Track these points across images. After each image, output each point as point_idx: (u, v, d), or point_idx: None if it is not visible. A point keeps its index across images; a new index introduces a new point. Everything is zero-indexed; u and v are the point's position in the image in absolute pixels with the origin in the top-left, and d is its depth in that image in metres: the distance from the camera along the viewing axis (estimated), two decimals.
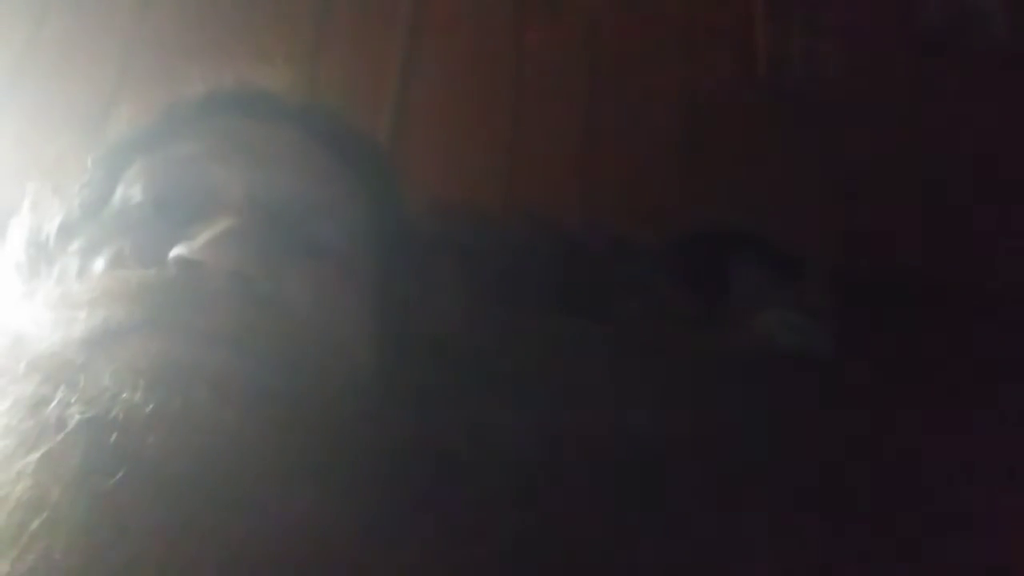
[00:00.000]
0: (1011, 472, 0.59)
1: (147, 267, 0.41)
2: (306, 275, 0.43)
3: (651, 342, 0.67)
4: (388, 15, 0.94)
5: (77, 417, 0.33)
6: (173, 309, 0.38)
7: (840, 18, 0.94)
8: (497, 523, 0.42)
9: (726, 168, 0.87)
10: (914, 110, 0.89)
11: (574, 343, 0.65)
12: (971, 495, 0.58)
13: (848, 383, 0.66)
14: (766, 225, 0.80)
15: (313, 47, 0.91)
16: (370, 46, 0.92)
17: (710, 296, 0.74)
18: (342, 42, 0.92)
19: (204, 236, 0.40)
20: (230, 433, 0.34)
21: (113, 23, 0.89)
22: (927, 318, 0.74)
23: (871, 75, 0.92)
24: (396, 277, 0.49)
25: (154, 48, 0.88)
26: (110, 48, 0.88)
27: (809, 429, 0.60)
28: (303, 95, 0.56)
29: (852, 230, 0.83)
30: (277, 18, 0.91)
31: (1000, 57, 0.93)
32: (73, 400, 0.33)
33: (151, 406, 0.33)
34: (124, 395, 0.33)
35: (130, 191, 0.46)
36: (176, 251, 0.40)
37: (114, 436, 0.32)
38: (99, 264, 0.43)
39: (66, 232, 0.46)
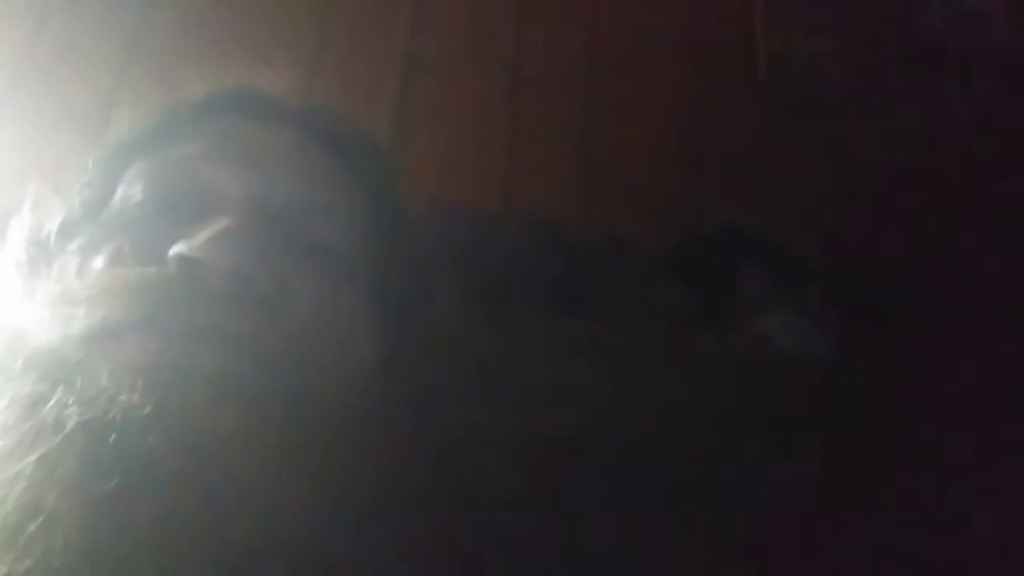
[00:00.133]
0: (1011, 472, 0.59)
1: (147, 266, 0.41)
2: (306, 275, 0.43)
3: (650, 344, 0.67)
4: (388, 18, 0.94)
5: (75, 419, 0.32)
6: (172, 307, 0.38)
7: (840, 21, 0.95)
8: (497, 524, 0.42)
9: (726, 170, 0.87)
10: (914, 113, 0.89)
11: (573, 344, 0.65)
12: (971, 496, 0.58)
13: (848, 385, 0.66)
14: (766, 227, 0.80)
15: (314, 49, 0.91)
16: (370, 48, 0.92)
17: (710, 298, 0.74)
18: (342, 44, 0.92)
19: (204, 235, 0.40)
20: (228, 433, 0.34)
21: (113, 25, 0.89)
22: (927, 320, 0.74)
23: (871, 78, 0.92)
24: (395, 278, 0.49)
25: (154, 49, 0.88)
26: (110, 49, 0.88)
27: (809, 431, 0.60)
28: (303, 97, 0.56)
29: (852, 232, 0.83)
30: (278, 20, 0.92)
31: (1000, 59, 0.93)
32: (71, 401, 0.33)
33: (149, 407, 0.33)
34: (122, 396, 0.33)
35: (130, 191, 0.46)
36: (176, 250, 0.40)
37: (112, 438, 0.32)
38: (99, 262, 0.43)
39: (66, 231, 0.46)
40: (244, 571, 0.31)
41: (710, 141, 0.88)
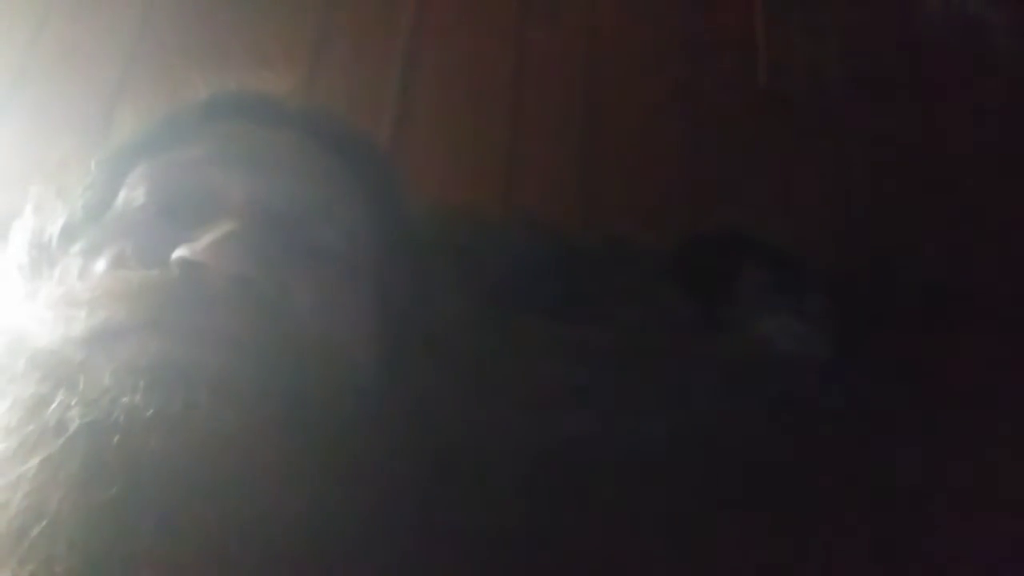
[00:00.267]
0: (1012, 473, 0.59)
1: (149, 268, 0.41)
2: (307, 278, 0.43)
3: (650, 346, 0.67)
4: (389, 19, 0.94)
5: (77, 421, 0.32)
6: (174, 310, 0.38)
7: (840, 25, 0.95)
8: (496, 526, 0.42)
9: (726, 172, 0.87)
10: (914, 115, 0.89)
11: (574, 346, 0.65)
12: (971, 497, 0.58)
13: (847, 387, 0.66)
14: (766, 230, 0.80)
15: (314, 51, 0.91)
16: (371, 50, 0.92)
17: (710, 300, 0.74)
18: (343, 46, 0.92)
19: (206, 238, 0.40)
20: (230, 435, 0.34)
21: (115, 26, 0.90)
22: (926, 322, 0.74)
23: (871, 81, 0.92)
24: (396, 280, 0.49)
25: (156, 52, 0.88)
26: (112, 51, 0.88)
27: (808, 433, 0.60)
28: (304, 99, 0.56)
29: (852, 235, 0.83)
30: (278, 22, 0.92)
31: (1001, 62, 0.93)
32: (73, 403, 0.33)
33: (151, 409, 0.33)
34: (124, 398, 0.33)
35: (132, 194, 0.46)
36: (178, 253, 0.40)
37: (114, 440, 0.32)
38: (101, 265, 0.43)
39: (68, 234, 0.46)
40: (246, 572, 0.31)
41: (710, 143, 0.88)
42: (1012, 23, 0.94)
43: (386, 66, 0.91)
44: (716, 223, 0.82)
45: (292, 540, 0.33)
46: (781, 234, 0.80)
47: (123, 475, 0.31)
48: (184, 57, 0.86)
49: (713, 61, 0.94)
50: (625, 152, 0.88)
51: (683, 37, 0.95)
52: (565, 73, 0.93)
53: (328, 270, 0.45)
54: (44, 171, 0.52)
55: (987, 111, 0.90)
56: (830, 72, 0.92)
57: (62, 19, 0.90)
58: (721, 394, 0.62)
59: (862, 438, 0.61)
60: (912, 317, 0.75)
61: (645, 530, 0.49)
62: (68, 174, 0.51)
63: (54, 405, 0.33)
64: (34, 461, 0.31)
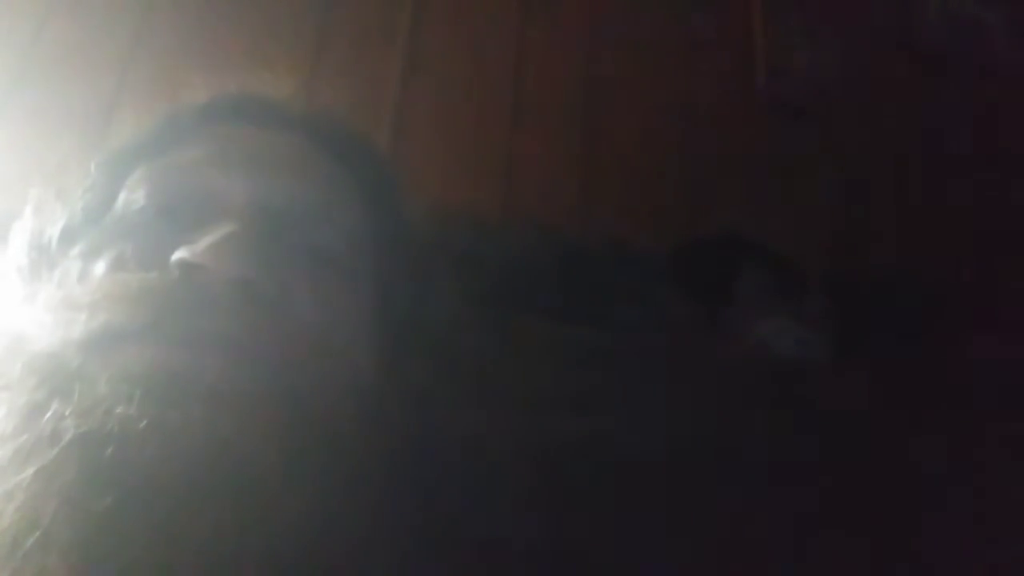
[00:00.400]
0: (1012, 475, 0.59)
1: (148, 271, 0.41)
2: (307, 279, 0.43)
3: (649, 347, 0.67)
4: (388, 22, 0.94)
5: (72, 431, 0.32)
6: (173, 313, 0.38)
7: (838, 27, 0.95)
8: (496, 527, 0.42)
9: (725, 175, 0.87)
10: (912, 118, 0.90)
11: (573, 348, 0.65)
12: (971, 498, 0.58)
13: (846, 389, 0.66)
14: (765, 232, 0.80)
15: (314, 53, 0.91)
16: (370, 53, 0.92)
17: (709, 303, 0.74)
18: (343, 47, 0.92)
19: (206, 240, 0.40)
20: (227, 444, 0.34)
21: (114, 29, 0.90)
22: (927, 324, 0.74)
23: (869, 84, 0.92)
24: (396, 282, 0.49)
25: (155, 54, 0.88)
26: (111, 54, 0.88)
27: (807, 435, 0.60)
28: (304, 101, 0.56)
29: (851, 237, 0.83)
30: (278, 24, 0.92)
31: (999, 68, 0.93)
32: (68, 412, 0.33)
33: (146, 420, 0.32)
34: (119, 408, 0.33)
35: (132, 196, 0.46)
36: (178, 255, 0.40)
37: (109, 451, 0.32)
38: (100, 268, 0.43)
39: (68, 236, 0.46)
40: None
41: (709, 146, 0.88)
42: (1010, 24, 0.94)
43: (385, 68, 0.91)
44: (714, 225, 0.82)
45: (290, 547, 0.33)
46: (779, 236, 0.80)
47: (117, 486, 0.31)
48: (183, 59, 0.86)
49: (712, 63, 0.94)
50: (624, 154, 0.88)
51: (682, 40, 0.95)
52: (564, 76, 0.93)
53: (328, 272, 0.45)
54: (43, 173, 0.52)
55: (986, 113, 0.90)
56: (828, 74, 0.92)
57: (61, 22, 0.90)
58: (720, 395, 0.62)
59: (861, 440, 0.61)
60: (911, 319, 0.75)
61: (645, 531, 0.49)
62: (67, 176, 0.51)
63: (49, 414, 0.33)
64: (28, 471, 0.31)
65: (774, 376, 0.67)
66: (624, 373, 0.62)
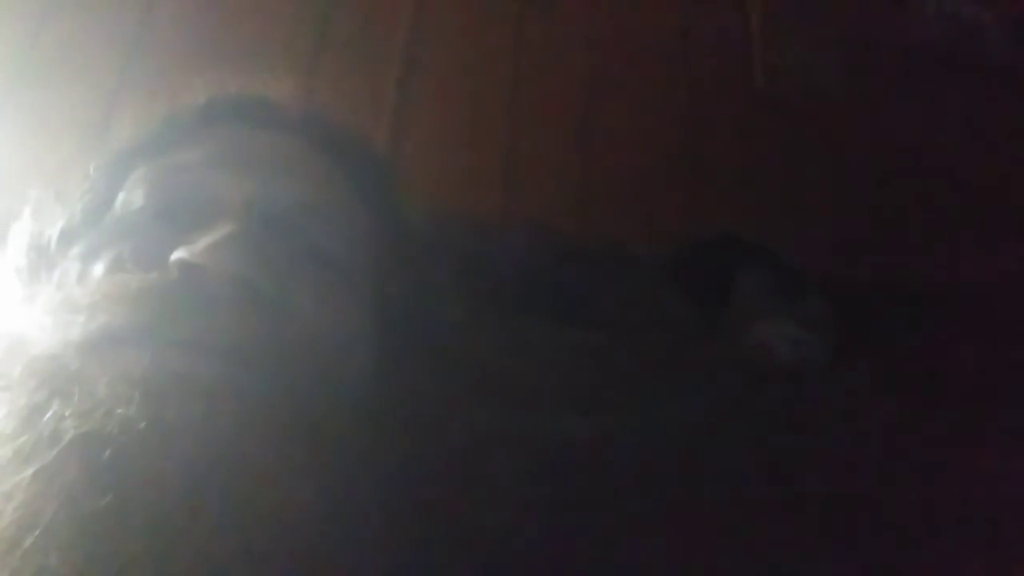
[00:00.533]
0: (1012, 476, 0.59)
1: (148, 272, 0.41)
2: (306, 281, 0.43)
3: (647, 351, 0.67)
4: (387, 23, 0.94)
5: (71, 432, 0.32)
6: (172, 314, 0.38)
7: (837, 29, 0.95)
8: (498, 531, 0.42)
9: (724, 177, 0.87)
10: (911, 120, 0.90)
11: (571, 350, 0.65)
12: (971, 500, 0.58)
13: (846, 392, 0.66)
14: (763, 235, 0.80)
15: (313, 55, 0.91)
16: (369, 54, 0.92)
17: (708, 305, 0.74)
18: (341, 50, 0.92)
19: (205, 241, 0.40)
20: (225, 445, 0.34)
21: (113, 29, 0.90)
22: (927, 326, 0.74)
23: (868, 86, 0.92)
24: (395, 284, 0.49)
25: (154, 55, 0.88)
26: (110, 54, 0.88)
27: (807, 438, 0.60)
28: (302, 101, 0.56)
29: (850, 239, 0.83)
30: (277, 25, 0.92)
31: (996, 68, 0.93)
32: (68, 413, 0.33)
33: (145, 421, 0.33)
34: (119, 409, 0.33)
35: (131, 197, 0.46)
36: (176, 256, 0.40)
37: (108, 452, 0.32)
38: (99, 269, 0.42)
39: (67, 237, 0.46)
40: None
41: (708, 147, 0.88)
42: (1006, 24, 0.94)
43: (384, 69, 0.91)
44: (713, 226, 0.82)
45: (289, 548, 0.33)
46: (778, 237, 0.80)
47: (116, 486, 0.31)
48: (182, 60, 0.86)
49: (710, 64, 0.94)
50: (623, 155, 0.88)
51: (680, 40, 0.95)
52: (563, 77, 0.93)
53: (326, 273, 0.45)
54: (42, 174, 0.52)
55: (985, 113, 0.90)
56: (827, 74, 0.92)
57: (60, 23, 0.90)
58: (719, 398, 0.62)
59: (861, 441, 0.61)
60: (911, 321, 0.75)
61: (644, 533, 0.49)
62: (67, 177, 0.51)
63: (48, 415, 0.33)
64: (28, 471, 0.31)
65: (773, 377, 0.67)
66: (623, 374, 0.62)
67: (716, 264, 0.78)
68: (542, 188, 0.86)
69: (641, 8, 0.97)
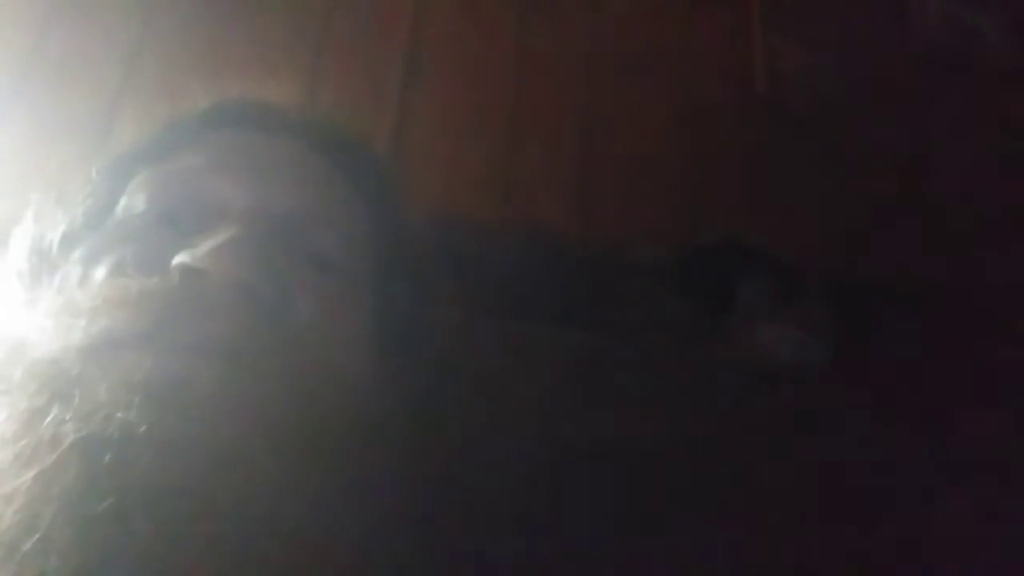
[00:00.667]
0: (1008, 477, 0.59)
1: (149, 276, 0.41)
2: (308, 286, 0.43)
3: (648, 354, 0.67)
4: (389, 27, 0.94)
5: (72, 435, 0.32)
6: (174, 319, 0.38)
7: (838, 33, 0.95)
8: (498, 533, 0.42)
9: (725, 181, 0.87)
10: (912, 124, 0.90)
11: (573, 353, 0.65)
12: (969, 500, 0.58)
13: (846, 393, 0.66)
14: (764, 238, 0.80)
15: (314, 59, 0.91)
16: (371, 58, 0.92)
17: (709, 309, 0.74)
18: (343, 54, 0.92)
19: (206, 245, 0.40)
20: (227, 449, 0.34)
21: (116, 34, 0.90)
22: (927, 330, 0.74)
23: (869, 90, 0.92)
24: (396, 288, 0.49)
25: (156, 59, 0.88)
26: (113, 59, 0.88)
27: (807, 441, 0.60)
28: (304, 107, 0.56)
29: (851, 243, 0.83)
30: (279, 30, 0.92)
31: (997, 71, 0.93)
32: (68, 417, 0.33)
33: (145, 425, 0.33)
34: (119, 413, 0.33)
35: (133, 201, 0.46)
36: (178, 260, 0.40)
37: (108, 456, 0.32)
38: (101, 273, 0.42)
39: (69, 241, 0.46)
40: None
41: (708, 150, 0.88)
42: (1009, 26, 0.94)
43: (386, 74, 0.91)
44: (715, 230, 0.82)
45: (290, 553, 0.33)
46: (779, 240, 0.80)
47: (116, 490, 0.31)
48: (184, 64, 0.86)
49: (711, 69, 0.94)
50: (624, 159, 0.88)
51: (682, 45, 0.95)
52: (564, 81, 0.93)
53: (328, 277, 0.45)
54: (44, 178, 0.52)
55: (985, 114, 0.90)
56: (828, 79, 0.92)
57: (63, 27, 0.90)
58: (721, 400, 0.62)
59: (861, 443, 0.61)
60: (911, 322, 0.75)
61: (645, 534, 0.49)
62: (68, 181, 0.51)
63: (49, 419, 0.33)
64: (28, 475, 0.31)
65: (774, 380, 0.67)
66: (624, 378, 0.62)
67: (717, 267, 0.78)
68: (543, 192, 0.86)
69: (642, 13, 0.97)
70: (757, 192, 0.86)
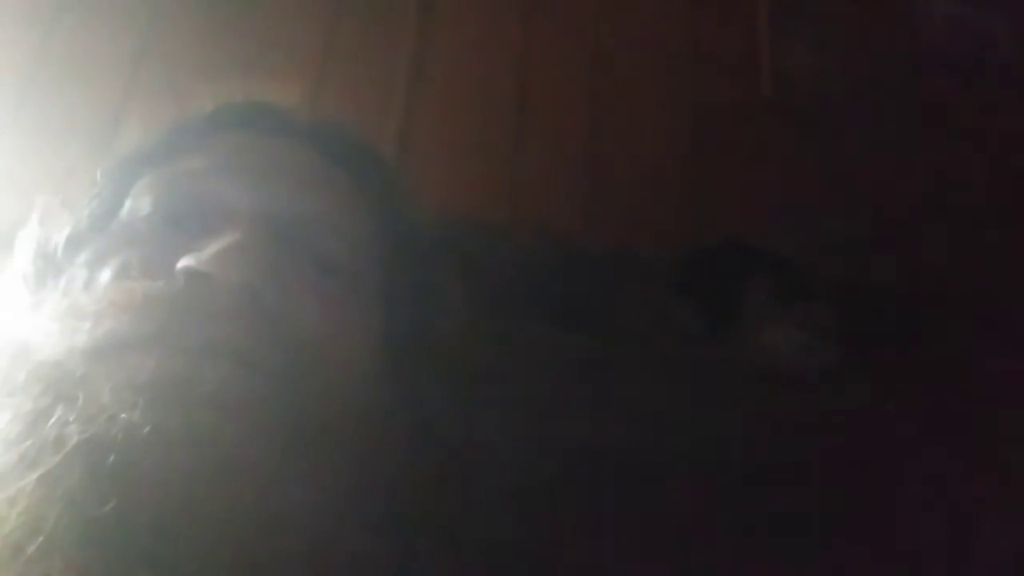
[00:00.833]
0: (1011, 482, 0.59)
1: (154, 279, 0.41)
2: (313, 289, 0.43)
3: (653, 356, 0.67)
4: (394, 30, 0.94)
5: (75, 437, 0.32)
6: (178, 322, 0.38)
7: (844, 37, 0.95)
8: (498, 532, 0.42)
9: (730, 183, 0.87)
10: (917, 127, 0.90)
11: (577, 354, 0.65)
12: (973, 505, 0.58)
13: (851, 395, 0.66)
14: (770, 240, 0.80)
15: (320, 61, 0.91)
16: (376, 60, 0.93)
17: (714, 311, 0.74)
18: (349, 56, 0.92)
19: (211, 249, 0.40)
20: (230, 451, 0.34)
21: (121, 37, 0.90)
22: (929, 332, 0.74)
23: (875, 93, 0.92)
24: (400, 291, 0.49)
25: (162, 62, 0.88)
26: (118, 62, 0.89)
27: (810, 440, 0.60)
28: (310, 109, 0.56)
29: (856, 245, 0.83)
30: (285, 33, 0.92)
31: (1003, 75, 0.93)
32: (72, 418, 0.33)
33: (149, 427, 0.33)
34: (123, 415, 0.33)
35: (138, 204, 0.46)
36: (183, 263, 0.40)
37: (112, 457, 0.32)
38: (106, 276, 0.42)
39: (74, 244, 0.46)
40: None
41: (714, 153, 0.88)
42: (1012, 26, 0.94)
43: (391, 76, 0.92)
44: (719, 231, 0.82)
45: (293, 553, 0.33)
46: (785, 243, 0.80)
47: (120, 491, 0.31)
48: (190, 68, 0.86)
49: (717, 71, 0.94)
50: (629, 161, 0.88)
51: (687, 48, 0.95)
52: (570, 83, 0.93)
53: (333, 280, 0.45)
54: (50, 180, 0.52)
55: (989, 120, 0.90)
56: (833, 82, 0.92)
57: (68, 29, 0.90)
58: (723, 401, 0.62)
59: (865, 445, 0.61)
60: (914, 324, 0.74)
61: (645, 535, 0.49)
62: (73, 184, 0.51)
63: (53, 420, 0.33)
64: (32, 476, 0.31)
65: (777, 382, 0.67)
66: (628, 379, 0.62)
67: (723, 269, 0.78)
68: (548, 194, 0.86)
69: (648, 16, 0.97)
70: (762, 194, 0.86)
